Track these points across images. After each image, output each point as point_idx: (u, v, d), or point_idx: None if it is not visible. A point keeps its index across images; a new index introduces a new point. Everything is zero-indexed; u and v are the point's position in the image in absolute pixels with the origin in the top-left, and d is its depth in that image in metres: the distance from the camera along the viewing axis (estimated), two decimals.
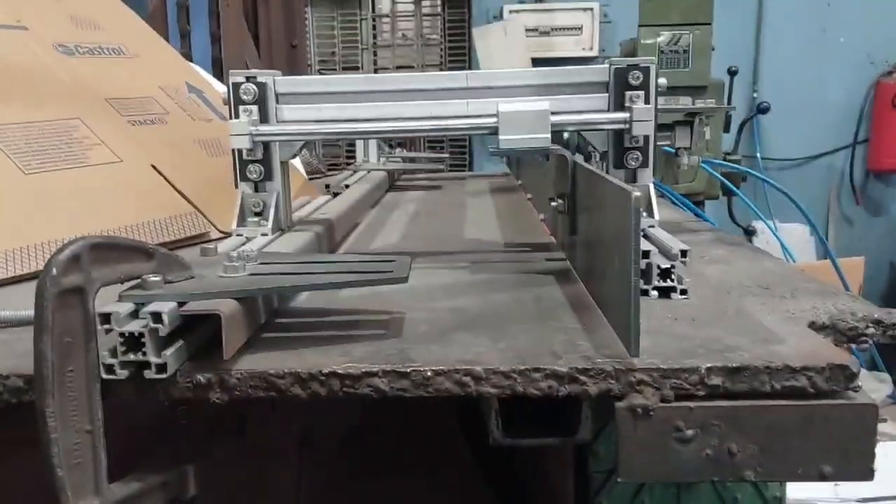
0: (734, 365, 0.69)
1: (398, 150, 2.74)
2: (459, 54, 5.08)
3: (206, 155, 1.56)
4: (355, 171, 1.98)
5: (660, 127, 1.30)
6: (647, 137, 1.05)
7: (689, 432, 0.69)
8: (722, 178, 2.04)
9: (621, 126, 1.01)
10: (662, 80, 1.06)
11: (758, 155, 5.17)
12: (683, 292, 0.91)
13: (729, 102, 3.76)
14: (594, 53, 4.88)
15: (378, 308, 0.89)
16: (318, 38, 5.29)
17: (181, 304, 0.71)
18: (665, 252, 0.93)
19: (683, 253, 0.91)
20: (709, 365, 0.69)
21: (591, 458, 1.09)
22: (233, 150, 1.07)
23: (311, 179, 1.90)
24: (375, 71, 5.12)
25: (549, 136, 1.00)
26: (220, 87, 2.00)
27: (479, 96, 1.06)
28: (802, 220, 5.24)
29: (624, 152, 1.05)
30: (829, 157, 5.21)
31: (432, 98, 1.06)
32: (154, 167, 1.42)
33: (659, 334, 0.78)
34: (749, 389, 0.69)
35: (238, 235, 1.06)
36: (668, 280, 0.91)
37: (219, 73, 3.86)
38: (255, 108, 1.06)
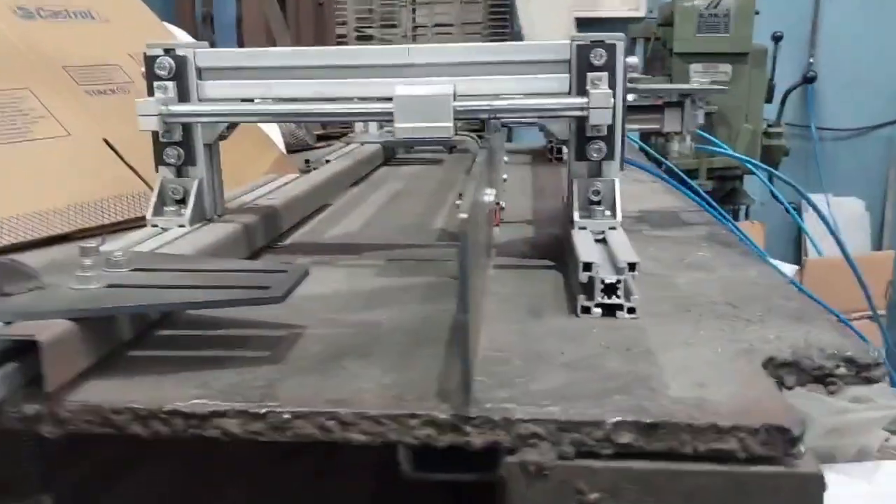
0: (648, 421, 0.57)
1: None
2: (501, 13, 4.88)
3: None
4: (347, 144, 1.87)
5: (649, 109, 1.17)
6: (612, 126, 0.91)
7: (594, 496, 0.58)
8: (729, 152, 1.82)
9: (578, 113, 0.87)
10: (633, 60, 0.93)
11: (812, 125, 4.90)
12: (631, 311, 0.79)
13: (773, 70, 3.53)
14: (640, 14, 4.66)
15: (283, 319, 0.79)
16: None
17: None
18: (614, 263, 0.80)
19: (632, 266, 0.78)
20: (617, 419, 0.57)
21: None
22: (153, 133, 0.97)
23: (297, 152, 1.80)
24: (414, 29, 4.91)
25: (451, 124, 0.87)
26: None
27: (423, 74, 0.93)
28: (859, 195, 4.99)
29: (586, 142, 0.92)
30: (891, 128, 4.92)
31: (371, 76, 0.94)
32: (106, 141, 1.33)
33: (578, 369, 0.66)
34: (667, 450, 0.57)
35: (153, 226, 0.97)
36: (614, 297, 0.78)
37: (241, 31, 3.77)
38: (171, 84, 0.95)
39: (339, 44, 3.87)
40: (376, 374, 0.66)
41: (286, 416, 0.60)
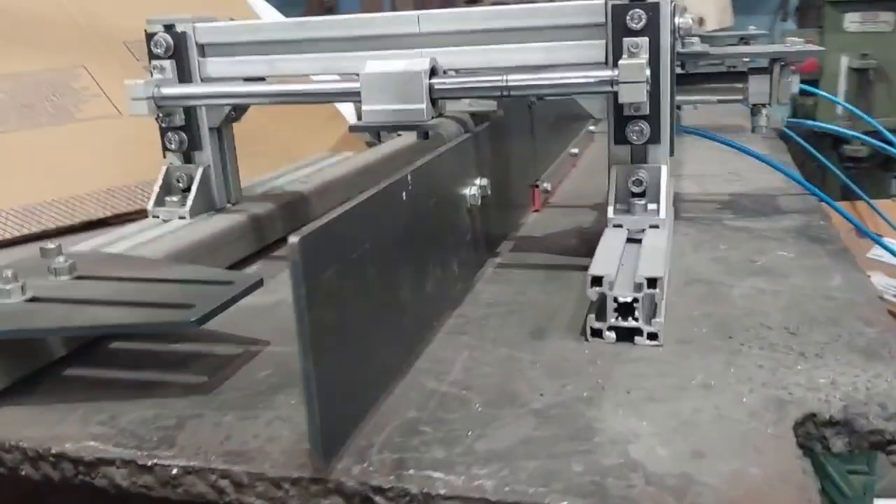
0: None
1: None
2: None
3: None
4: None
5: (731, 76, 0.99)
6: (656, 104, 0.76)
7: None
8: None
9: (607, 89, 0.72)
10: (685, 20, 0.76)
11: None
12: (652, 336, 0.64)
13: None
14: None
15: (253, 330, 0.70)
16: None
17: None
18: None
19: (652, 282, 0.63)
20: (565, 502, 0.44)
21: None
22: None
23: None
24: None
25: (423, 106, 0.74)
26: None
27: (434, 44, 0.81)
28: None
29: (625, 122, 0.77)
30: None
31: (380, 47, 0.83)
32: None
33: (548, 419, 0.53)
34: None
35: (154, 217, 0.90)
36: (630, 318, 0.64)
37: None
38: (169, 63, 0.87)
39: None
40: (301, 417, 0.55)
41: (175, 470, 0.50)
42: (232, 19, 1.56)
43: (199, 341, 0.69)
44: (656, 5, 0.74)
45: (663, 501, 0.44)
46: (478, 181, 0.81)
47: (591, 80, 0.73)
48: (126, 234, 0.83)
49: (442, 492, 0.46)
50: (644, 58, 0.72)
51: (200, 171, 0.90)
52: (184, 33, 0.87)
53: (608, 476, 0.46)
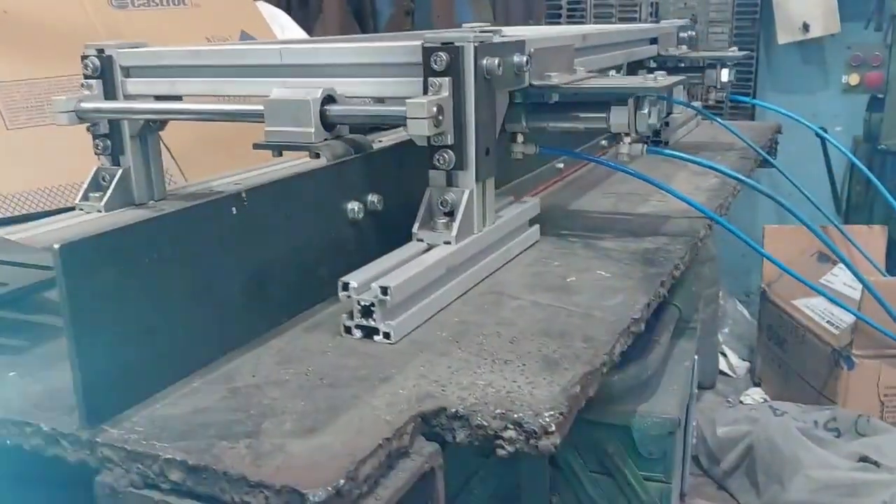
0: (191, 462, 0.56)
1: None
2: None
3: None
4: None
5: (594, 106, 1.06)
6: (460, 135, 0.86)
7: None
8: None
9: (400, 123, 0.83)
10: (491, 62, 0.86)
11: None
12: (386, 335, 0.75)
13: None
14: None
15: None
16: None
17: None
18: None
19: (384, 290, 0.74)
20: (168, 457, 0.57)
21: None
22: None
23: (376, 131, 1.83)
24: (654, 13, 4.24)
25: (312, 129, 0.86)
26: (300, 34, 2.00)
27: (296, 75, 0.94)
28: None
29: (434, 151, 0.87)
30: None
31: (255, 76, 0.97)
32: None
33: (237, 395, 0.65)
34: (211, 495, 0.56)
35: (80, 209, 1.07)
36: (371, 320, 0.75)
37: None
38: (95, 82, 1.04)
39: (549, 15, 3.78)
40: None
41: None
42: (243, 31, 1.74)
43: (51, 313, 0.85)
44: (459, 49, 0.84)
45: (240, 458, 0.56)
46: (369, 196, 0.90)
47: (390, 114, 0.84)
48: (43, 223, 1.01)
49: (98, 440, 0.60)
50: (441, 96, 0.83)
51: (120, 172, 1.07)
52: (110, 57, 1.04)
53: (227, 438, 0.59)
